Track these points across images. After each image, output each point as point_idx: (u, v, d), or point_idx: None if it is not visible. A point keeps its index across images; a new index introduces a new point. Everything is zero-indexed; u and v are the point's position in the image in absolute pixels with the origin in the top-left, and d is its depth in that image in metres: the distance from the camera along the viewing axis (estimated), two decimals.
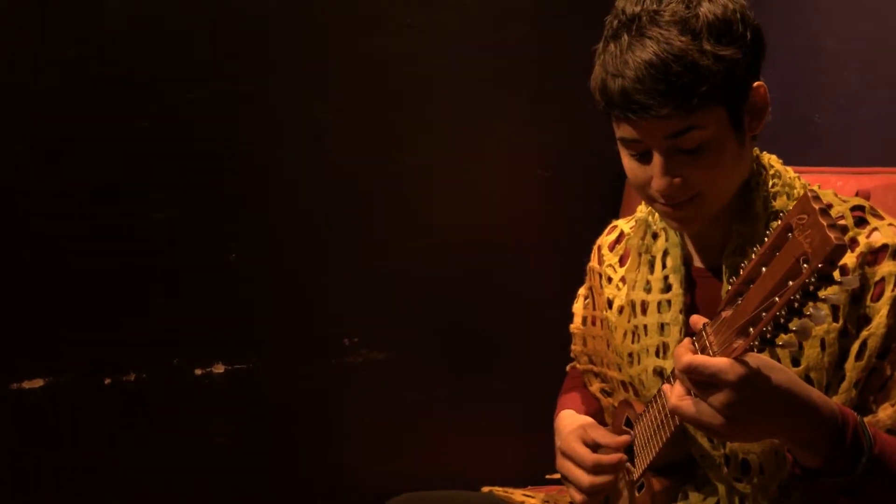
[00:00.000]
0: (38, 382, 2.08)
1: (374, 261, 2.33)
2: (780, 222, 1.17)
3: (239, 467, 2.24)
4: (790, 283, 1.14)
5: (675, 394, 1.30)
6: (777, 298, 1.16)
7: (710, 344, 1.28)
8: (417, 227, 2.37)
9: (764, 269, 1.19)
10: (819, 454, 1.30)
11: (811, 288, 1.11)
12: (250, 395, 2.24)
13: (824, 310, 1.14)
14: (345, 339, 2.32)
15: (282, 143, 2.24)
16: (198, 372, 2.20)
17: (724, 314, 1.27)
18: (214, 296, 2.20)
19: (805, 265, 1.11)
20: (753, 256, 1.22)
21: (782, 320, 1.16)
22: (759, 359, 1.26)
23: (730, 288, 1.27)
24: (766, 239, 1.20)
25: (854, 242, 1.43)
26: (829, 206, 1.13)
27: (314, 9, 2.24)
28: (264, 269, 2.24)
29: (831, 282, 1.11)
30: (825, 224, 1.09)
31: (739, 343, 1.23)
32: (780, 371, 1.27)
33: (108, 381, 2.13)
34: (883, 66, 2.21)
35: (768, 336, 1.19)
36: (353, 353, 2.33)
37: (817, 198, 1.12)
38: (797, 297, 1.13)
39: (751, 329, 1.20)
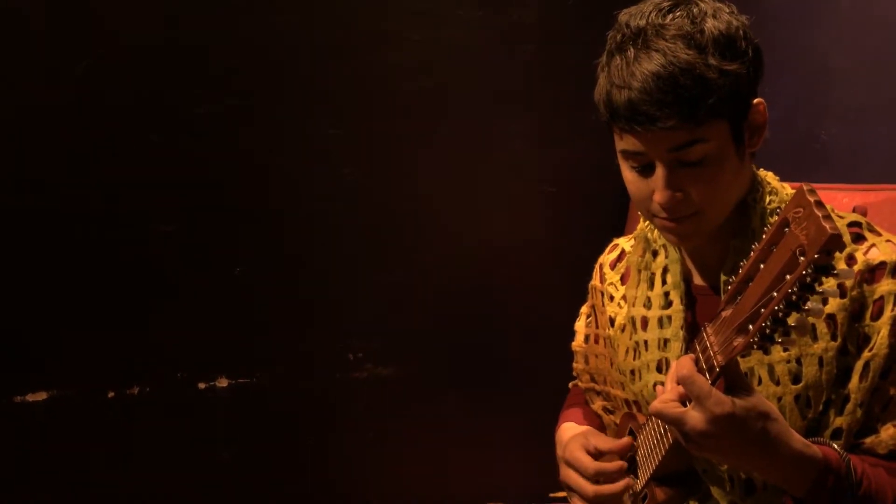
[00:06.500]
0: (42, 395, 2.08)
1: (378, 276, 2.33)
2: (776, 218, 1.17)
3: (242, 481, 2.23)
4: (787, 276, 1.13)
5: (661, 397, 1.31)
6: (775, 293, 1.15)
7: (711, 344, 1.27)
8: (423, 243, 2.37)
9: (762, 265, 1.19)
10: (800, 492, 1.32)
11: (808, 280, 1.11)
12: (254, 410, 2.24)
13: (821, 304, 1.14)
14: (350, 354, 2.32)
15: (289, 158, 2.25)
16: (201, 386, 2.20)
17: (724, 314, 1.26)
18: (219, 310, 2.20)
19: (801, 257, 1.11)
20: (752, 254, 1.21)
21: (781, 314, 1.15)
22: (750, 404, 1.26)
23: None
24: (763, 236, 1.20)
25: (851, 259, 1.42)
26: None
27: (322, 25, 2.25)
28: (269, 283, 2.24)
29: (828, 273, 1.10)
30: (820, 215, 1.08)
31: (739, 341, 1.22)
32: (763, 418, 1.27)
33: (111, 394, 2.13)
34: (890, 82, 2.21)
35: (768, 332, 1.18)
36: (358, 369, 2.32)
37: (812, 191, 1.12)
38: (795, 290, 1.12)
39: (750, 326, 1.20)
